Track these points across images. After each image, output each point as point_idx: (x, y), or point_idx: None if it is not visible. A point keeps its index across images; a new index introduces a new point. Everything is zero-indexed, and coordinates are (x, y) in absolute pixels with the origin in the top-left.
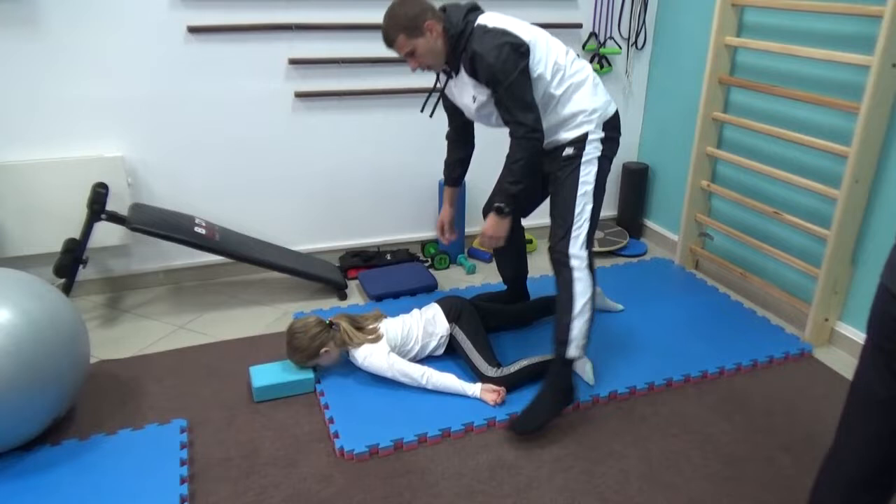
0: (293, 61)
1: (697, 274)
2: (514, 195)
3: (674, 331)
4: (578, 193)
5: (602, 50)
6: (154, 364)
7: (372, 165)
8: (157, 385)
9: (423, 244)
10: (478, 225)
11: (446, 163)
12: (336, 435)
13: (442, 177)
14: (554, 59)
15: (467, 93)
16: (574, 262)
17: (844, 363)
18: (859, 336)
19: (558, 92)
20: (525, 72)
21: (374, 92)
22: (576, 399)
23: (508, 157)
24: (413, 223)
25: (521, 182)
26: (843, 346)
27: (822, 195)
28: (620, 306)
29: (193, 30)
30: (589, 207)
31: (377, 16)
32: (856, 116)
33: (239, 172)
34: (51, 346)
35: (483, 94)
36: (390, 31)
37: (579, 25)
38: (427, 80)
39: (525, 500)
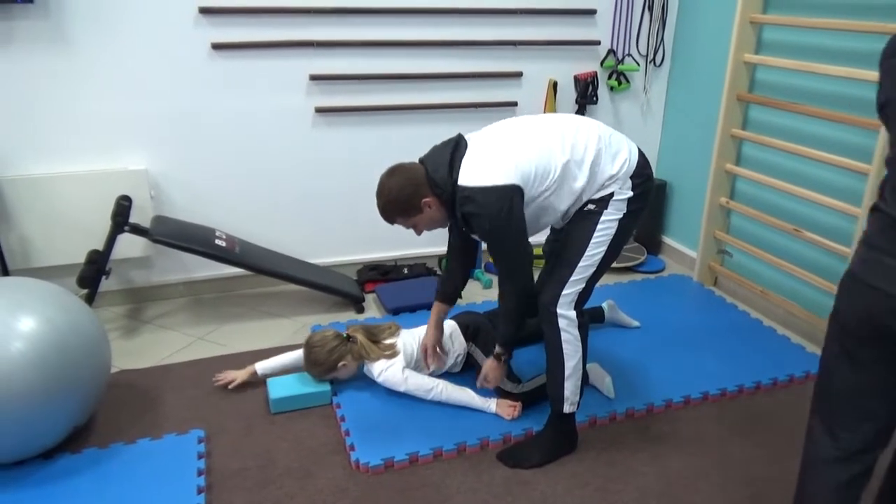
0: (314, 77)
1: (716, 291)
2: (513, 342)
3: (692, 348)
4: (586, 253)
5: (620, 67)
6: (173, 374)
7: None
8: (175, 395)
9: (440, 258)
10: None
11: (442, 278)
12: (352, 447)
13: None
14: (558, 164)
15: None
16: (562, 323)
17: None
18: None
19: (582, 175)
20: (519, 225)
21: (394, 107)
22: (576, 446)
23: (502, 299)
24: (430, 238)
25: (520, 328)
26: None
27: (843, 212)
28: (636, 322)
29: (217, 46)
30: (592, 270)
31: (397, 33)
32: (877, 133)
33: (259, 186)
34: (73, 355)
35: None
36: (387, 215)
37: (597, 42)
38: (447, 93)
39: None
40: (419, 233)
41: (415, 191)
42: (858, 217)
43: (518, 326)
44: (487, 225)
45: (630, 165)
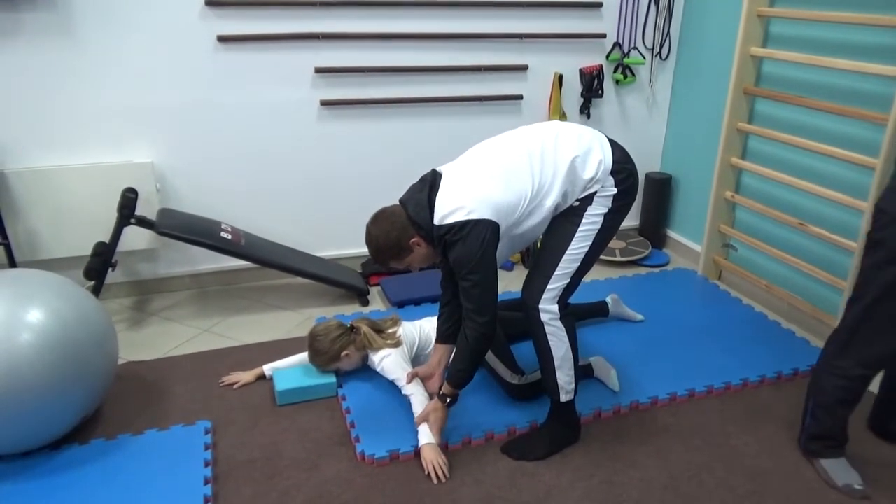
0: (319, 70)
1: (721, 285)
2: (465, 384)
3: (696, 342)
4: (570, 248)
5: (626, 60)
6: (179, 366)
7: (395, 172)
8: (182, 387)
9: None
10: None
11: (439, 319)
12: (357, 439)
13: None
14: (527, 193)
15: None
16: (544, 317)
17: None
18: None
19: (553, 194)
20: (491, 260)
21: (399, 100)
22: (580, 437)
23: (464, 336)
24: None
25: (473, 372)
26: None
27: (849, 206)
28: (640, 316)
29: (223, 39)
30: (575, 266)
31: (402, 26)
32: (883, 127)
33: (265, 179)
34: (80, 347)
35: None
36: (380, 260)
37: (603, 36)
38: (452, 87)
39: None
40: (416, 270)
41: (401, 233)
42: (864, 211)
43: (473, 370)
44: (461, 255)
45: (606, 164)
